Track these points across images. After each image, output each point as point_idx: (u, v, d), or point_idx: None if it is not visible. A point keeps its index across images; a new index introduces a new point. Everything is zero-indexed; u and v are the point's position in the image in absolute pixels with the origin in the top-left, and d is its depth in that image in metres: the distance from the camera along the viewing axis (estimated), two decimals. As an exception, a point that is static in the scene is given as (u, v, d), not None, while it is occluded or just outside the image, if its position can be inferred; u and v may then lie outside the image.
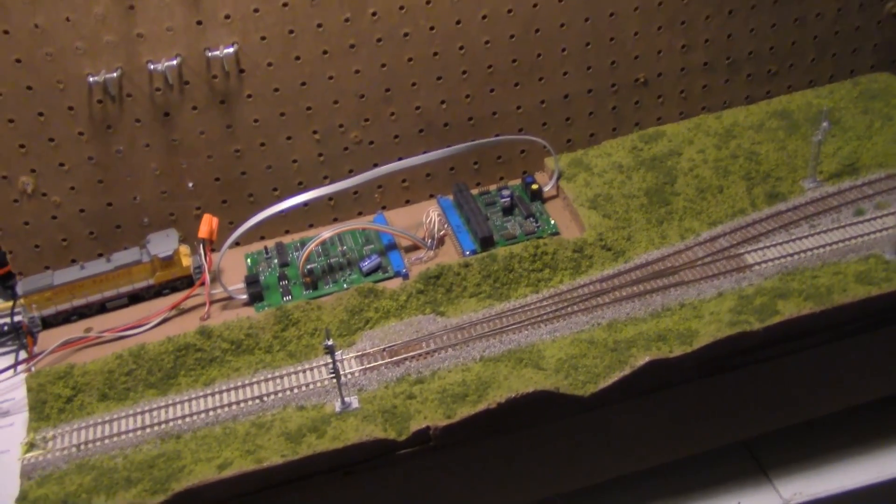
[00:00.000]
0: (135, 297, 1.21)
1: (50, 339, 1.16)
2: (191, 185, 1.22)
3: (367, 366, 1.06)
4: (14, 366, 1.20)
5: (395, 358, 1.06)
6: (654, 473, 1.08)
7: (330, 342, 0.96)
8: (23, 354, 1.22)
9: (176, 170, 1.21)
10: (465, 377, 1.01)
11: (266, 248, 1.26)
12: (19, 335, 1.23)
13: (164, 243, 1.19)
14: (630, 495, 1.10)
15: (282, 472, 0.92)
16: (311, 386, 1.04)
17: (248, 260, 1.25)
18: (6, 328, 1.28)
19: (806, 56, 1.39)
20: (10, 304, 1.29)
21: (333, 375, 0.99)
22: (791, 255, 1.13)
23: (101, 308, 1.20)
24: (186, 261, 1.21)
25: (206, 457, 0.95)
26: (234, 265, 1.22)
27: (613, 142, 1.33)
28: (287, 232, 1.30)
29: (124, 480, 0.94)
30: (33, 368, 1.11)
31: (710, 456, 1.10)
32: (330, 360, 1.05)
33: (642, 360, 0.98)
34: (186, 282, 1.21)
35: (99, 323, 1.18)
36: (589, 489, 1.06)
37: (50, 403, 1.06)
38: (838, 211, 1.19)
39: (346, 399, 1.01)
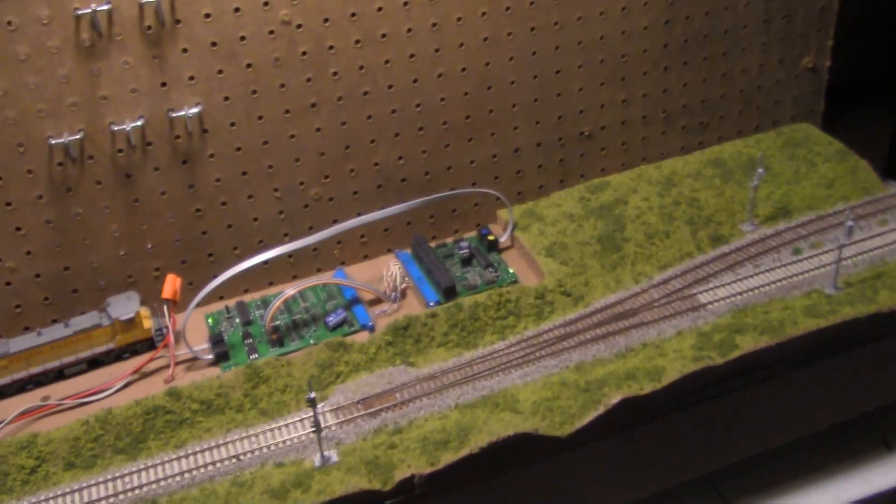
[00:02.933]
0: (94, 363, 1.18)
1: (4, 409, 1.12)
2: (150, 246, 1.21)
3: (343, 419, 1.06)
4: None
5: (370, 410, 1.07)
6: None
7: (312, 395, 0.96)
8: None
9: (136, 231, 1.20)
10: (443, 424, 1.03)
11: (227, 307, 1.26)
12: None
13: (125, 306, 1.18)
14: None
15: (270, 529, 0.92)
16: (289, 442, 1.04)
17: (210, 320, 1.24)
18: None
19: (734, 108, 1.48)
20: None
21: (314, 429, 0.99)
22: (740, 293, 1.19)
23: (59, 375, 1.17)
24: (147, 323, 1.19)
25: (189, 519, 0.94)
26: (193, 326, 1.21)
27: (562, 193, 1.39)
28: (247, 291, 1.30)
29: (105, 548, 0.91)
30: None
31: (677, 491, 1.13)
32: (309, 414, 1.06)
33: (615, 398, 1.02)
34: (147, 344, 1.20)
35: (56, 391, 1.15)
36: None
37: (12, 475, 1.03)
38: (778, 251, 1.27)
39: (326, 453, 1.01)
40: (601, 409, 1.01)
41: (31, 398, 1.14)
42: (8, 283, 1.18)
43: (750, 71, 1.46)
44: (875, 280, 1.17)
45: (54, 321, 1.21)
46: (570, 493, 1.05)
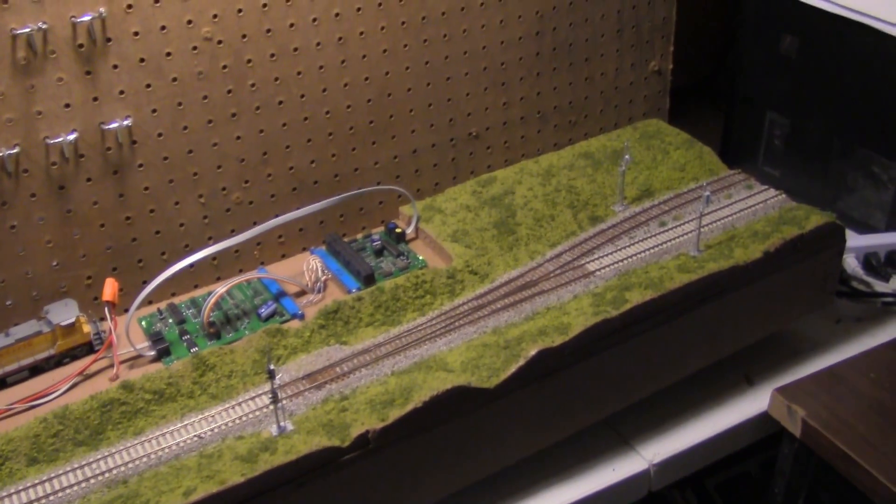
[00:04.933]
0: (35, 369, 1.22)
1: (-49, 420, 1.15)
2: (82, 255, 1.27)
3: (291, 394, 1.16)
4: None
5: (315, 383, 1.18)
6: (542, 454, 1.26)
7: (272, 366, 1.06)
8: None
9: (69, 241, 1.26)
10: (385, 388, 1.15)
11: (159, 309, 1.33)
12: (-87, 422, 1.20)
13: (63, 312, 1.23)
14: (526, 479, 1.27)
15: (246, 488, 1.01)
16: (244, 418, 1.13)
17: (143, 322, 1.31)
18: None
19: (596, 108, 1.69)
20: None
21: (272, 400, 1.08)
22: (622, 260, 1.38)
23: (2, 383, 1.20)
24: (86, 328, 1.25)
25: (167, 489, 1.01)
26: (128, 329, 1.27)
27: (456, 188, 1.54)
28: (174, 294, 1.38)
29: (90, 523, 0.98)
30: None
31: (581, 435, 1.29)
32: (259, 392, 1.16)
33: (532, 350, 1.17)
34: (87, 348, 1.25)
35: (0, 398, 1.19)
36: (494, 476, 1.22)
37: (-24, 475, 1.07)
38: (647, 224, 1.46)
39: (282, 423, 1.11)
40: (521, 361, 1.16)
41: (-24, 407, 1.17)
42: (-57, 299, 1.21)
43: (607, 74, 1.67)
44: (729, 241, 1.38)
45: (-9, 333, 1.24)
46: (496, 439, 1.19)
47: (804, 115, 1.74)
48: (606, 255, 1.39)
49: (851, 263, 1.59)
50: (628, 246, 1.41)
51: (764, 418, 1.37)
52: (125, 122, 1.22)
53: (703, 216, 1.36)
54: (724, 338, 1.38)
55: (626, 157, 1.49)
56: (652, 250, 1.40)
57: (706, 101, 2.04)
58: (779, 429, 1.35)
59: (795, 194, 1.49)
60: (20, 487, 1.05)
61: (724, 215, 1.46)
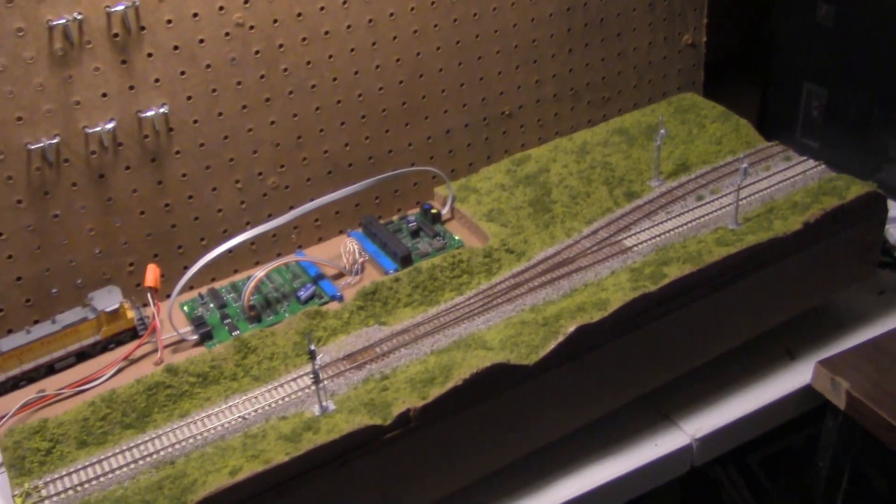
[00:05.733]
0: (82, 355, 1.25)
1: (3, 405, 1.17)
2: (124, 242, 1.29)
3: (332, 374, 1.17)
4: (-31, 438, 1.19)
5: (355, 364, 1.18)
6: (583, 431, 1.26)
7: (312, 347, 1.07)
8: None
9: (110, 228, 1.28)
10: (425, 366, 1.15)
11: (200, 294, 1.34)
12: (-34, 408, 1.23)
13: (107, 299, 1.25)
14: (567, 456, 1.27)
15: (290, 467, 1.02)
16: (287, 399, 1.14)
17: (185, 307, 1.33)
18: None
19: (629, 83, 1.67)
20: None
21: (314, 380, 1.10)
22: (659, 235, 1.37)
23: (50, 370, 1.23)
24: (130, 314, 1.27)
25: (213, 468, 1.03)
26: (170, 315, 1.29)
27: (490, 167, 1.54)
28: (213, 279, 1.39)
29: (140, 503, 1.00)
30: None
31: (622, 411, 1.29)
32: (301, 373, 1.17)
33: (571, 327, 1.17)
34: (131, 334, 1.27)
35: (50, 384, 1.21)
36: (535, 453, 1.23)
37: (29, 458, 1.09)
38: (684, 199, 1.45)
39: (324, 403, 1.12)
40: (560, 338, 1.16)
41: (26, 393, 1.20)
42: (-10, 288, 1.23)
43: (640, 49, 1.66)
44: (768, 213, 1.37)
45: (36, 322, 1.27)
46: (537, 415, 1.19)
47: (842, 84, 1.71)
48: (643, 231, 1.39)
49: (894, 234, 1.57)
50: (665, 221, 1.40)
51: (807, 392, 1.35)
52: (161, 110, 1.24)
53: (740, 189, 1.35)
54: (765, 311, 1.36)
55: (662, 131, 1.47)
56: (689, 224, 1.38)
57: (742, 74, 2.01)
58: (822, 402, 1.34)
59: (835, 165, 1.47)
60: (71, 469, 1.07)
61: (762, 187, 1.45)
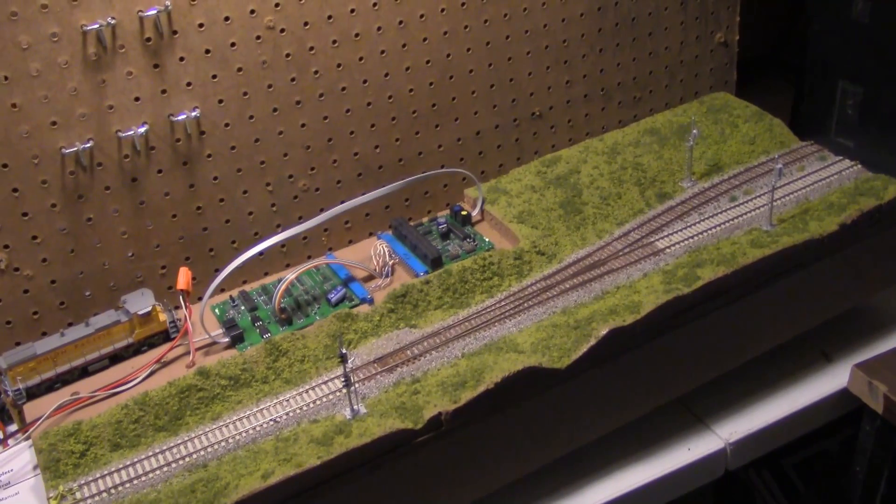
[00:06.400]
0: (115, 358, 1.26)
1: (38, 408, 1.18)
2: (156, 245, 1.30)
3: (363, 377, 1.17)
4: (5, 439, 1.21)
5: (386, 367, 1.18)
6: (616, 434, 1.25)
7: (344, 350, 1.07)
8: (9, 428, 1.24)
9: (143, 232, 1.29)
10: (456, 370, 1.15)
11: (231, 297, 1.35)
12: (3, 410, 1.24)
13: (140, 301, 1.26)
14: (600, 459, 1.26)
15: (322, 471, 1.02)
16: (318, 402, 1.15)
17: (216, 310, 1.33)
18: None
19: (661, 83, 1.66)
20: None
21: (345, 384, 1.09)
22: (692, 236, 1.35)
23: (84, 372, 1.24)
24: (162, 316, 1.28)
25: (245, 472, 1.03)
26: (202, 317, 1.30)
27: (521, 169, 1.53)
28: (245, 282, 1.40)
29: (173, 506, 1.00)
30: (21, 438, 1.14)
31: (655, 415, 1.28)
32: (332, 376, 1.17)
33: (603, 330, 1.16)
34: (163, 336, 1.28)
35: (84, 386, 1.22)
36: (567, 457, 1.22)
37: (63, 461, 1.10)
38: (717, 200, 1.44)
39: (355, 406, 1.12)
40: (592, 341, 1.15)
41: (60, 396, 1.21)
42: (26, 291, 1.24)
43: (672, 48, 1.64)
44: (803, 214, 1.35)
45: (70, 324, 1.28)
46: (569, 419, 1.19)
47: (879, 82, 1.68)
48: (676, 232, 1.37)
49: (933, 234, 1.54)
50: (698, 222, 1.39)
51: (843, 395, 1.33)
52: (193, 114, 1.24)
53: (775, 189, 1.33)
54: (801, 314, 1.34)
55: (694, 131, 1.46)
56: (723, 226, 1.37)
57: (775, 73, 1.98)
58: (859, 405, 1.32)
59: (871, 165, 1.44)
60: (105, 472, 1.08)
61: (797, 188, 1.43)
